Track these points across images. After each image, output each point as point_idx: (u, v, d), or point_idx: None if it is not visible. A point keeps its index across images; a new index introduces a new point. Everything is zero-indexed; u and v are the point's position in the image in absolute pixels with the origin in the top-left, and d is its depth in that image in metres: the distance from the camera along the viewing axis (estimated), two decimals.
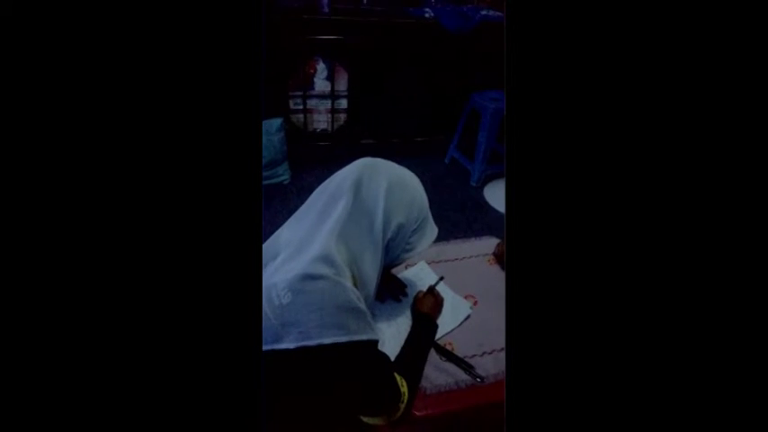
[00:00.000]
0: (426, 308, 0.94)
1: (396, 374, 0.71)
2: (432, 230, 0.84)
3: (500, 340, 0.93)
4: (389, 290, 1.01)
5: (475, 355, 0.89)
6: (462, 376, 0.85)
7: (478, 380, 0.84)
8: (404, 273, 1.09)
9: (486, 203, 2.31)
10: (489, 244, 1.22)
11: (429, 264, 1.12)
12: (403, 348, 0.84)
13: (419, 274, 1.09)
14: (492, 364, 0.88)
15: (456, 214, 2.21)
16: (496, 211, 2.25)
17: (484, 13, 2.26)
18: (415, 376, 0.79)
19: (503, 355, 0.90)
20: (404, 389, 0.70)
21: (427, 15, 2.16)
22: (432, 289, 0.99)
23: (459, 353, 0.89)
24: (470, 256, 1.17)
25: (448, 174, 2.53)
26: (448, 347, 0.90)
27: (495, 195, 2.33)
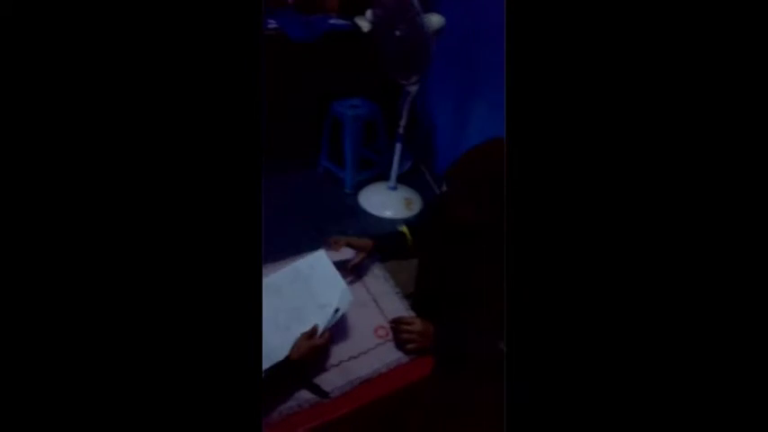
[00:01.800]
0: (297, 353, 0.83)
1: None
2: None
3: (348, 349, 0.91)
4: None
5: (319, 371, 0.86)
6: (306, 395, 0.81)
7: (324, 397, 0.81)
8: (296, 263, 1.03)
9: (362, 209, 2.33)
10: (341, 252, 1.21)
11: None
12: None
13: (314, 265, 1.02)
14: (338, 377, 0.85)
15: (332, 223, 2.19)
16: (372, 216, 2.28)
17: (331, 21, 2.28)
18: None
19: (351, 364, 0.88)
20: None
21: (271, 26, 2.11)
22: (313, 331, 0.87)
23: None
24: None
25: (321, 184, 2.51)
26: None
27: (370, 200, 2.35)
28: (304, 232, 2.07)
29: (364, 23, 2.15)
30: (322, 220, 2.20)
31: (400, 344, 0.94)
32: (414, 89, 1.95)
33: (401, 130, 2.14)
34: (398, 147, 2.19)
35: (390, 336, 0.96)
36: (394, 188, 2.34)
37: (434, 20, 1.75)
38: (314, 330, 0.86)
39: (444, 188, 0.99)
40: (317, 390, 0.82)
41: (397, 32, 1.79)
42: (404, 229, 1.18)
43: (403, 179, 2.45)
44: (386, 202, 2.32)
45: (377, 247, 1.13)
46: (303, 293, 0.98)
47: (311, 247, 1.10)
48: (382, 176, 2.41)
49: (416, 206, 2.32)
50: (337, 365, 0.88)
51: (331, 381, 0.84)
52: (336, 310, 0.91)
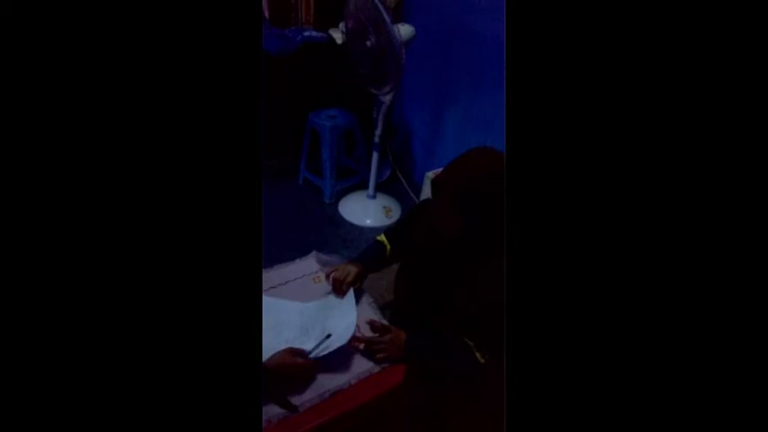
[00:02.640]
0: (272, 362, 0.83)
1: None
2: None
3: (320, 362, 0.91)
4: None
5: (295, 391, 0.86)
6: (275, 410, 0.81)
7: (292, 411, 0.82)
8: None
9: (342, 218, 2.33)
10: (312, 263, 1.21)
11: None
12: None
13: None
14: (308, 390, 0.86)
15: (311, 233, 2.19)
16: (352, 225, 2.29)
17: (306, 34, 2.30)
18: None
19: (321, 377, 0.89)
20: None
21: None
22: (299, 351, 0.87)
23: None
24: (295, 279, 1.15)
25: (302, 194, 2.52)
26: None
27: (350, 209, 2.36)
28: (285, 243, 2.07)
29: (339, 35, 2.17)
30: (302, 230, 2.20)
31: (371, 354, 0.94)
32: (387, 99, 1.97)
33: (377, 140, 2.16)
34: (375, 156, 2.21)
35: (362, 346, 0.96)
36: (373, 197, 2.36)
37: (404, 30, 1.78)
38: (300, 350, 0.87)
39: (430, 195, 0.99)
40: (285, 404, 0.82)
41: (368, 43, 1.81)
42: (382, 237, 1.18)
43: (383, 187, 2.47)
44: (365, 210, 2.33)
45: (362, 263, 1.12)
46: (320, 318, 1.01)
47: (290, 257, 1.10)
48: (363, 185, 2.43)
49: (395, 214, 2.34)
50: None
51: (300, 395, 0.84)
52: (328, 336, 0.91)
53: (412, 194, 2.47)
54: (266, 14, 2.41)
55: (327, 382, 0.88)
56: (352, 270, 1.08)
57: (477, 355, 0.91)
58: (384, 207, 2.34)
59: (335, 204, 2.41)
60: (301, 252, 1.23)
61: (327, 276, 1.10)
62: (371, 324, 1.00)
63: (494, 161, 0.85)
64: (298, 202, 2.45)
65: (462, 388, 1.00)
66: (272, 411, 0.81)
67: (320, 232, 2.21)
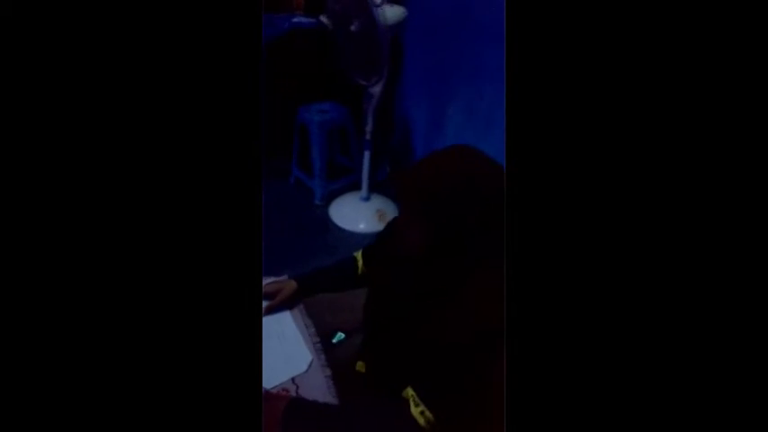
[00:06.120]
0: None
1: None
2: None
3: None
4: None
5: None
6: None
7: None
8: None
9: (331, 222, 2.14)
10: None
11: None
12: None
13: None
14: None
15: (296, 237, 2.01)
16: (342, 230, 2.09)
17: (296, 20, 2.11)
18: None
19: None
20: None
21: None
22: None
23: None
24: None
25: (292, 195, 2.34)
26: None
27: (341, 213, 2.17)
28: (266, 247, 1.91)
29: (329, 21, 1.97)
30: (286, 235, 2.03)
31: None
32: (377, 91, 1.76)
33: (368, 136, 1.95)
34: (367, 154, 2.00)
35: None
36: (366, 199, 2.15)
37: (392, 12, 1.55)
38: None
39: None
40: None
41: (352, 28, 1.60)
42: (357, 254, 1.01)
43: (380, 188, 2.26)
44: (358, 214, 2.13)
45: (310, 286, 0.99)
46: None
47: (267, 264, 0.97)
48: (358, 186, 2.23)
49: (390, 218, 2.12)
50: None
51: None
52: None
53: None
54: None
55: None
56: (289, 287, 0.96)
57: (415, 411, 0.69)
58: (377, 210, 2.13)
59: (326, 207, 2.22)
60: (280, 260, 1.08)
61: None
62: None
63: (466, 160, 0.70)
64: (286, 203, 2.27)
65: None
66: None
67: (304, 238, 2.03)
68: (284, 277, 1.04)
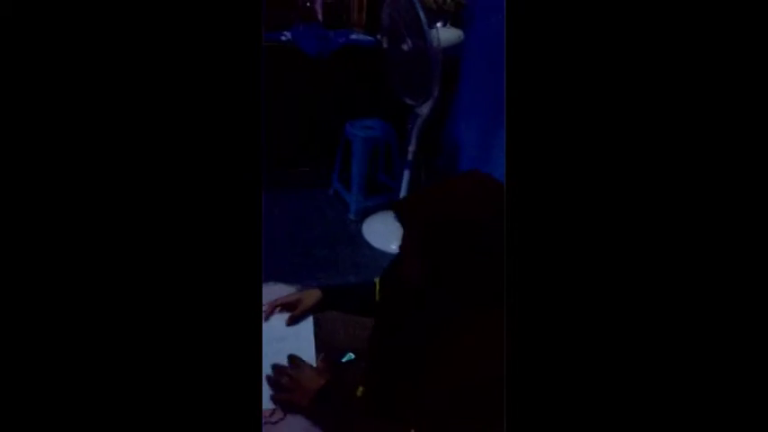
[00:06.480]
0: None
1: None
2: None
3: None
4: None
5: None
6: None
7: None
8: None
9: (363, 239, 2.11)
10: (269, 291, 1.01)
11: None
12: None
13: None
14: None
15: (324, 251, 2.00)
16: (372, 248, 2.06)
17: (353, 37, 2.14)
18: None
19: None
20: None
21: (284, 39, 2.01)
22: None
23: None
24: None
25: (329, 206, 2.34)
26: None
27: (374, 230, 2.14)
28: (293, 255, 1.90)
29: (385, 40, 1.98)
30: (317, 245, 2.02)
31: (274, 389, 0.80)
32: (424, 111, 1.73)
33: (410, 156, 1.92)
34: (407, 174, 1.96)
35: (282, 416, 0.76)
36: None
37: (447, 34, 1.53)
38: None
39: None
40: None
41: (405, 47, 1.59)
42: (377, 280, 0.98)
43: None
44: (390, 233, 2.08)
45: (331, 300, 0.97)
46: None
47: (292, 272, 0.94)
48: None
49: None
50: None
51: None
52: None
53: None
54: (319, 16, 2.32)
55: None
56: (310, 296, 0.95)
57: None
58: None
59: (360, 222, 2.20)
60: (305, 268, 1.06)
61: (271, 309, 0.95)
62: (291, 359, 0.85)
63: (476, 187, 0.66)
64: (322, 213, 2.27)
65: None
66: None
67: (334, 250, 2.01)
68: (298, 287, 1.02)
